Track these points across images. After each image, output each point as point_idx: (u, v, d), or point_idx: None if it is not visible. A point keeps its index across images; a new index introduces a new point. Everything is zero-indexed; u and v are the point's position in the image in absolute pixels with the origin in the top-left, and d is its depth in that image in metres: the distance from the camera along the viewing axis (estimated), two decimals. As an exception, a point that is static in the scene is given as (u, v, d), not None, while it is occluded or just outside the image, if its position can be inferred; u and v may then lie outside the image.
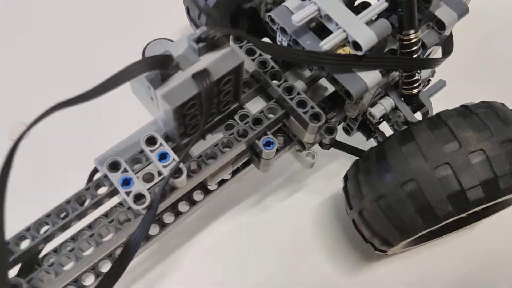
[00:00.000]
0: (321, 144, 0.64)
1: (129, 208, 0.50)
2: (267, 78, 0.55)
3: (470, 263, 0.75)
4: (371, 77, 0.55)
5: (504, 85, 0.90)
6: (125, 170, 0.50)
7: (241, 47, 0.57)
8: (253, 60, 0.56)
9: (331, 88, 0.63)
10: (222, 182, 0.62)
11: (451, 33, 0.65)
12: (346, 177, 0.66)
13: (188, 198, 0.61)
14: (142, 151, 0.52)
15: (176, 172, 0.49)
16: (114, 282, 0.50)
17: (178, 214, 0.60)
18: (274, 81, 0.56)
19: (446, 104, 0.62)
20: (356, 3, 0.65)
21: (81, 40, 0.93)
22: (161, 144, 0.50)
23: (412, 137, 0.56)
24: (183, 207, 0.60)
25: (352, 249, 0.75)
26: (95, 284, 0.57)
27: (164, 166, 0.50)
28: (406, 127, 0.61)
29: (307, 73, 0.63)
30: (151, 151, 0.50)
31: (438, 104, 0.65)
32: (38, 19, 0.96)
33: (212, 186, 0.61)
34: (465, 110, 0.56)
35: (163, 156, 0.50)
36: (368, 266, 0.74)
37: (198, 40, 0.47)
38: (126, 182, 0.49)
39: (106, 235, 0.51)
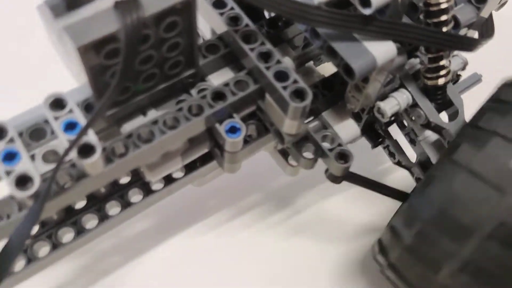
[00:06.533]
0: (330, 177, 0.49)
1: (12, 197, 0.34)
2: (237, 38, 0.40)
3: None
4: (383, 50, 0.40)
5: None
6: (11, 140, 0.34)
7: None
8: (222, 14, 0.41)
9: (327, 72, 0.48)
10: (170, 180, 0.46)
11: (491, 15, 0.50)
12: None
13: (121, 197, 0.45)
14: (47, 121, 0.37)
15: (85, 149, 0.34)
16: None
17: (103, 217, 0.44)
18: (248, 45, 0.40)
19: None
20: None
21: None
22: (70, 110, 0.35)
23: None
24: (112, 209, 0.44)
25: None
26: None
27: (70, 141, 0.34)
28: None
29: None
30: (56, 118, 0.35)
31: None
32: None
33: (155, 184, 0.45)
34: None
35: (70, 126, 0.35)
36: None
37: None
38: (10, 156, 0.34)
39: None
